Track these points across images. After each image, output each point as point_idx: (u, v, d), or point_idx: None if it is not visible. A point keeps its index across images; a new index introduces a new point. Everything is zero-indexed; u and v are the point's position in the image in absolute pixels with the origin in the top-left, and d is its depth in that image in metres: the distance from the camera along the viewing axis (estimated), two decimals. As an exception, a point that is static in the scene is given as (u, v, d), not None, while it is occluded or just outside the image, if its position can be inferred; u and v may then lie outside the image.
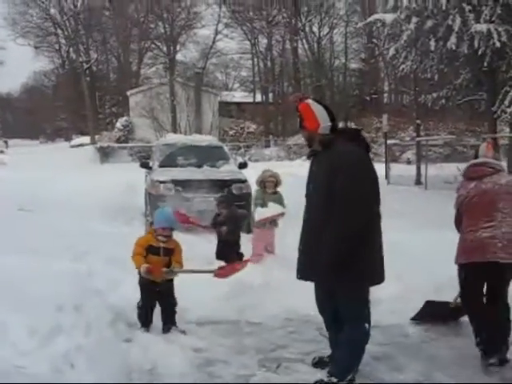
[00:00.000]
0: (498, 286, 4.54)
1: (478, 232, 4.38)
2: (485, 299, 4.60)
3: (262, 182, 7.64)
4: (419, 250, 7.10)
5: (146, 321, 5.04)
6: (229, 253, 7.27)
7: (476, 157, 4.74)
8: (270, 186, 7.60)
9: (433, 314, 5.24)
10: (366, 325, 4.01)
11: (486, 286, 4.58)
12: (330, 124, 3.98)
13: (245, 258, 7.17)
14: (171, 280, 5.08)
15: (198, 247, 8.28)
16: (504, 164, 15.25)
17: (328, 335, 4.35)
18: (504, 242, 4.30)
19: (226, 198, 8.26)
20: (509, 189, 4.43)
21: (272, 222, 7.46)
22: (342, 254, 3.70)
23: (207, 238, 8.79)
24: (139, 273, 4.93)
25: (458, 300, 4.94)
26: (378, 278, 4.00)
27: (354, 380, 4.03)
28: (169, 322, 5.05)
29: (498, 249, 4.29)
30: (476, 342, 4.51)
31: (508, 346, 4.44)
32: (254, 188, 8.43)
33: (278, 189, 7.71)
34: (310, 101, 4.08)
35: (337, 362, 4.09)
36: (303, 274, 4.13)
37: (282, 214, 7.41)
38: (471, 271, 4.47)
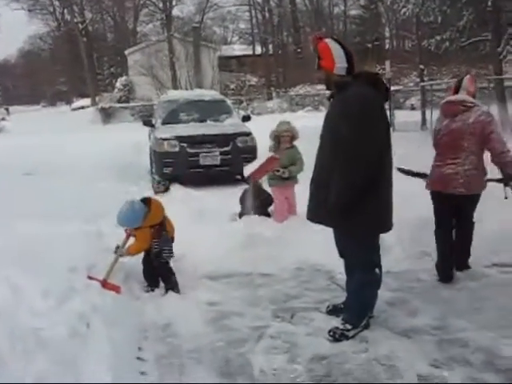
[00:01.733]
0: (460, 210, 5.15)
1: (444, 167, 5.02)
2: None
3: (276, 137, 7.04)
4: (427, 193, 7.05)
5: (147, 281, 5.07)
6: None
7: (457, 89, 5.12)
8: (284, 141, 6.99)
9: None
10: (377, 270, 4.01)
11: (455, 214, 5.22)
12: (346, 65, 3.86)
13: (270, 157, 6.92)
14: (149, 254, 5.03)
15: (207, 202, 8.32)
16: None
17: (346, 279, 4.32)
18: (465, 178, 4.91)
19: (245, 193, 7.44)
20: (474, 128, 4.86)
21: (287, 178, 6.91)
22: (346, 200, 3.68)
23: (216, 194, 8.81)
24: None
25: None
26: (385, 225, 3.95)
27: (369, 325, 4.06)
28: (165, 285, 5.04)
29: (459, 184, 4.92)
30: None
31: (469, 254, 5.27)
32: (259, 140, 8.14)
33: (295, 142, 7.11)
34: (328, 40, 3.94)
35: (350, 308, 4.13)
36: (311, 215, 4.10)
37: (275, 160, 6.78)
38: (436, 198, 5.19)
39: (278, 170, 6.86)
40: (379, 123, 3.74)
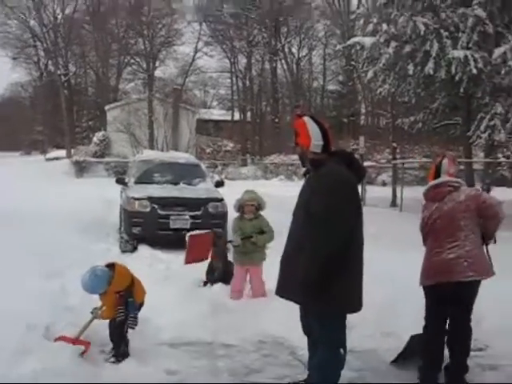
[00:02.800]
0: (460, 305, 4.56)
1: (444, 253, 4.49)
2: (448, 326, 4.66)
3: (240, 207, 6.71)
4: (394, 272, 7.09)
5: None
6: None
7: (437, 172, 4.76)
8: (249, 211, 6.64)
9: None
10: (341, 350, 3.92)
11: (450, 311, 4.61)
12: (321, 143, 3.90)
13: None
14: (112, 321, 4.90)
15: (173, 265, 8.24)
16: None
17: (308, 356, 4.24)
18: (469, 260, 4.41)
19: (220, 251, 7.36)
20: (468, 205, 4.51)
21: (251, 254, 6.59)
22: (312, 277, 3.61)
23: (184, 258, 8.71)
24: None
25: None
26: (355, 305, 3.89)
27: (329, 407, 3.96)
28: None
29: (465, 268, 4.39)
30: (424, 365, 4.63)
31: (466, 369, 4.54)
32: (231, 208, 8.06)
33: (262, 212, 6.78)
34: (306, 118, 4.01)
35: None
36: (280, 290, 4.04)
37: (205, 237, 6.94)
38: (433, 293, 4.58)
39: (251, 237, 6.53)
40: (350, 202, 3.76)
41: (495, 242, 4.77)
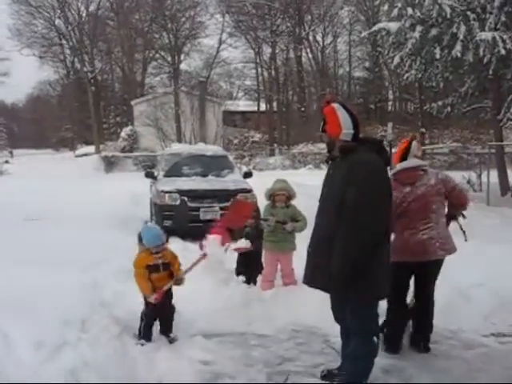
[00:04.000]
0: (429, 280, 4.98)
1: (418, 234, 4.81)
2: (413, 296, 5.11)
3: (271, 196, 6.66)
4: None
5: (148, 334, 5.01)
6: (249, 266, 6.86)
7: (405, 154, 4.93)
8: (280, 200, 6.59)
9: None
10: (375, 338, 3.92)
11: (416, 283, 5.03)
12: (352, 131, 3.87)
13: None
14: (169, 291, 5.08)
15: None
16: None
17: (341, 344, 4.25)
18: (440, 241, 4.83)
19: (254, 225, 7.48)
20: (438, 190, 4.87)
21: (284, 242, 6.56)
22: (349, 267, 3.60)
23: (214, 249, 8.74)
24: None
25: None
26: (383, 292, 3.92)
27: (363, 394, 3.97)
28: (168, 332, 5.08)
29: (437, 248, 4.81)
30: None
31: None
32: (260, 198, 8.04)
33: (293, 202, 6.72)
34: (336, 105, 3.94)
35: (345, 376, 4.03)
36: (309, 279, 4.04)
37: (247, 205, 6.66)
38: (403, 270, 4.80)
39: (285, 222, 6.49)
40: (384, 191, 3.74)
41: (464, 217, 5.23)
